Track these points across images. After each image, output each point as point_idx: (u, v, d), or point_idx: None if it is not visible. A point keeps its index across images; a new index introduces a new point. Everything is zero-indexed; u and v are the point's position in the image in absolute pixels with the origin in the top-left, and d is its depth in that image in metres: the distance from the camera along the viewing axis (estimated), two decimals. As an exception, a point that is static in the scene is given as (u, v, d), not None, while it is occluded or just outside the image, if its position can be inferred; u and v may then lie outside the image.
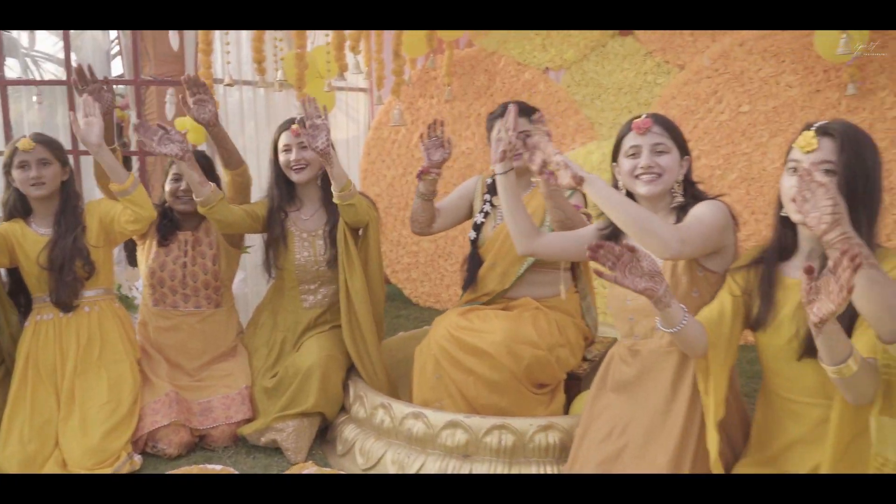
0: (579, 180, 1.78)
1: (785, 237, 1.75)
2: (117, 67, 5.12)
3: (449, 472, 2.27)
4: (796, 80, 3.50)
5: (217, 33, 3.57)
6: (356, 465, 2.46)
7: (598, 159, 3.95)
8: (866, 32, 3.18)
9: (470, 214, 2.87)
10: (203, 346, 2.92)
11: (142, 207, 2.65)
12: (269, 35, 3.68)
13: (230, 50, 3.64)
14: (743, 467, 1.82)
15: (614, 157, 2.03)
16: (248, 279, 3.78)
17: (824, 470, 1.56)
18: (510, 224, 2.17)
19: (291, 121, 2.83)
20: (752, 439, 1.85)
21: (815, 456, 1.65)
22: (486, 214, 2.76)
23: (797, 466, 1.69)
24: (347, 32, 3.49)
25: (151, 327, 2.93)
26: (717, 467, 1.74)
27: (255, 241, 3.19)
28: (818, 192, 1.40)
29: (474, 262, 2.77)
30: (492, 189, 2.77)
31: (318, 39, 3.93)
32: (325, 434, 2.76)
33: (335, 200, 2.68)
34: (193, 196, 2.67)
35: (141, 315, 3.03)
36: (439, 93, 4.39)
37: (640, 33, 3.88)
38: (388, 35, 3.88)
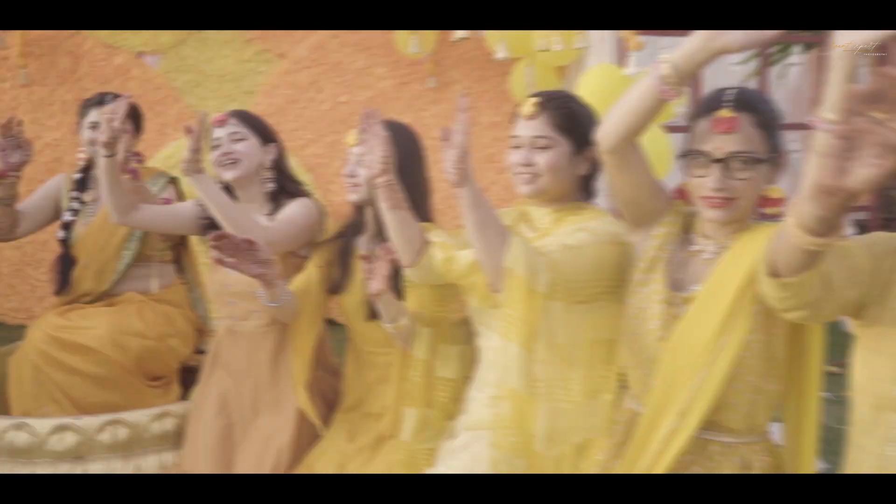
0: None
1: (358, 217, 2.09)
2: None
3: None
4: (387, 72, 3.86)
5: None
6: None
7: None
8: (438, 32, 3.59)
9: (56, 216, 2.76)
10: None
11: None
12: None
13: None
14: (339, 413, 2.11)
15: None
16: None
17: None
18: (107, 197, 2.19)
19: None
20: (345, 387, 2.15)
21: (387, 393, 1.98)
22: (76, 212, 2.70)
23: (375, 404, 2.01)
24: None
25: None
26: (312, 416, 2.03)
27: None
28: (376, 145, 1.65)
29: (66, 262, 2.67)
30: (79, 185, 2.72)
31: None
32: None
33: None
34: None
35: None
36: (13, 76, 3.95)
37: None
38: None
